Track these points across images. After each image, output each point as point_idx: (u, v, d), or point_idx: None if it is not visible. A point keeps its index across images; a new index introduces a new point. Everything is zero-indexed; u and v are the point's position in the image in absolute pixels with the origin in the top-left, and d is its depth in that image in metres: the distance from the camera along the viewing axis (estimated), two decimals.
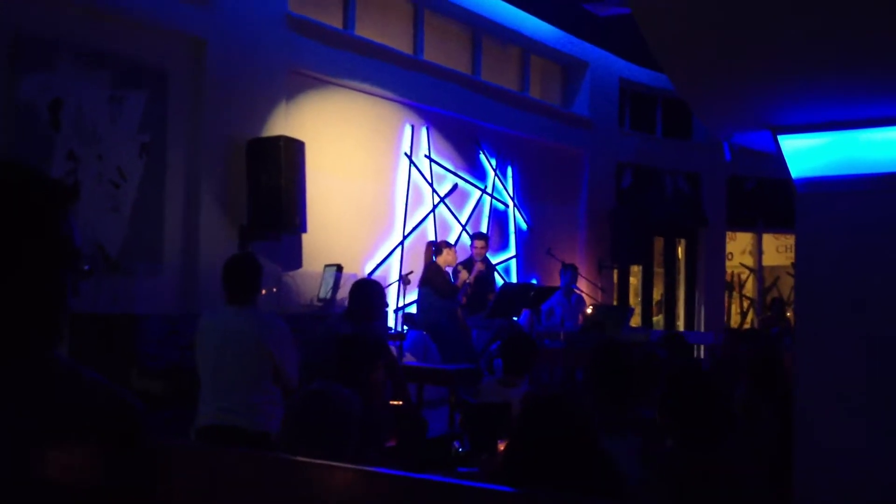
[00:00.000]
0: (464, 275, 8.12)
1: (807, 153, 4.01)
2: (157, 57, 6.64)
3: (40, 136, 5.81)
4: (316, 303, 7.28)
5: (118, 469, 1.41)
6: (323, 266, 7.50)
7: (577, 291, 9.89)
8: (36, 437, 1.20)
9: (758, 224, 13.83)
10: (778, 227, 13.93)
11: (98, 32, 6.21)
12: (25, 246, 1.21)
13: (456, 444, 3.91)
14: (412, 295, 8.17)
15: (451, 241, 9.56)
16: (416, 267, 8.40)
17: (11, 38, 5.67)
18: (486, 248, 8.88)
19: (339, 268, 7.26)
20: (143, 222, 6.47)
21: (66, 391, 1.32)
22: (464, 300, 8.28)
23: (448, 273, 8.14)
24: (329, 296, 7.15)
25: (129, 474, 1.44)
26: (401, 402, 5.02)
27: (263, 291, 6.47)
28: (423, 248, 8.54)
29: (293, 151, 7.02)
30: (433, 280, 7.89)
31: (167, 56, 6.72)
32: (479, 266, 8.52)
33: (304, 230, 7.19)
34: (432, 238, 9.05)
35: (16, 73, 5.69)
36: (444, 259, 8.02)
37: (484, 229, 10.06)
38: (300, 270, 7.58)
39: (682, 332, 10.38)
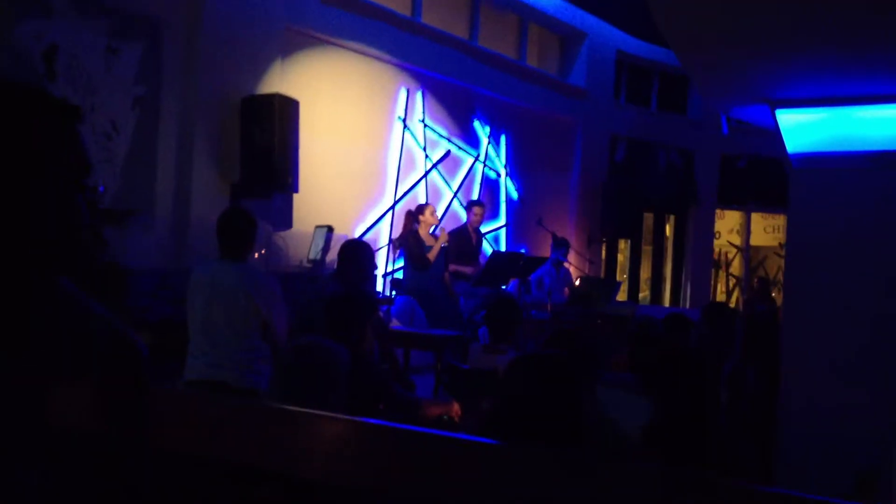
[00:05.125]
0: (443, 236, 7.96)
1: (803, 128, 4.02)
2: (154, 8, 6.57)
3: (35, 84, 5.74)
4: (306, 263, 7.27)
5: (118, 409, 1.41)
6: (313, 227, 7.47)
7: (566, 265, 9.91)
8: (41, 375, 1.18)
9: (748, 203, 13.87)
10: (767, 207, 13.98)
11: None
12: (46, 158, 1.17)
13: (444, 417, 3.92)
14: (401, 260, 8.16)
15: (442, 208, 9.55)
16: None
17: None
18: (483, 215, 8.83)
19: (330, 229, 7.23)
20: (135, 176, 6.43)
21: (74, 327, 1.31)
22: (447, 272, 8.14)
23: (428, 240, 7.97)
24: (319, 257, 7.14)
25: (128, 414, 1.43)
26: (387, 365, 5.04)
27: (256, 255, 6.45)
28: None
29: (287, 110, 6.98)
30: (409, 251, 7.79)
31: (164, 8, 6.65)
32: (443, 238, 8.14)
33: (296, 190, 7.16)
34: (422, 202, 9.01)
35: (11, 19, 5.60)
36: (426, 221, 7.86)
37: (475, 197, 10.05)
38: (290, 230, 7.57)
39: (684, 313, 10.39)
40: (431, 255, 7.75)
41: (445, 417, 3.83)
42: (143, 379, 1.43)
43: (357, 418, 2.15)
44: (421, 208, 7.97)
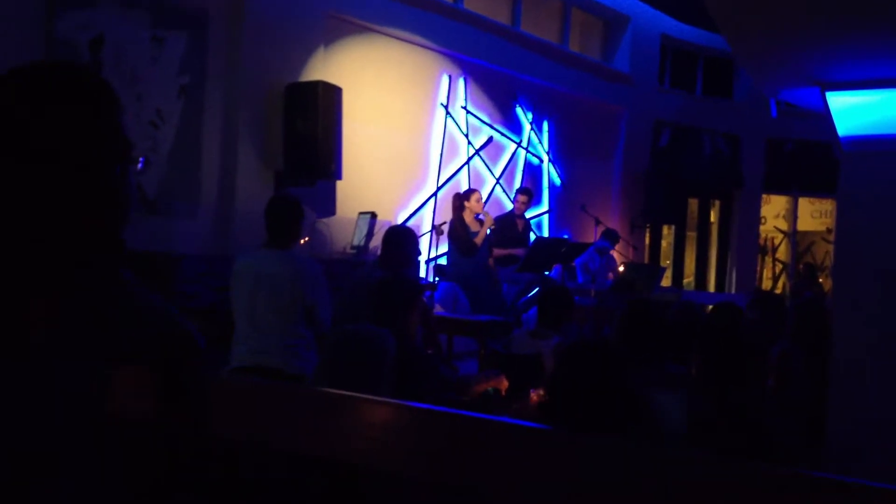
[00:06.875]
0: (488, 220, 7.92)
1: (854, 111, 3.94)
2: None
3: None
4: (349, 250, 7.30)
5: (175, 399, 1.42)
6: (357, 213, 7.51)
7: (611, 252, 9.85)
8: (99, 366, 1.19)
9: (794, 188, 13.65)
10: (814, 192, 13.76)
11: None
12: (88, 139, 1.17)
13: (490, 391, 3.92)
14: (444, 246, 8.17)
15: (485, 193, 9.53)
16: (449, 218, 8.37)
17: None
18: (529, 203, 8.83)
19: (374, 215, 7.26)
20: (180, 164, 6.51)
21: (131, 317, 1.32)
22: (491, 258, 8.13)
23: (473, 225, 7.96)
24: (363, 243, 7.17)
25: (184, 402, 1.45)
26: (431, 350, 5.05)
27: (301, 242, 6.49)
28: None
29: (330, 97, 7.00)
30: (455, 237, 7.79)
31: None
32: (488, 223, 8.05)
33: (339, 177, 7.19)
34: (468, 188, 9.00)
35: (55, 10, 5.68)
36: (470, 207, 7.87)
37: (518, 183, 10.03)
38: (334, 217, 7.60)
39: (733, 300, 10.33)
40: (478, 240, 7.75)
41: (491, 391, 3.83)
42: (200, 370, 1.45)
43: (405, 402, 2.16)
44: (467, 194, 7.96)
